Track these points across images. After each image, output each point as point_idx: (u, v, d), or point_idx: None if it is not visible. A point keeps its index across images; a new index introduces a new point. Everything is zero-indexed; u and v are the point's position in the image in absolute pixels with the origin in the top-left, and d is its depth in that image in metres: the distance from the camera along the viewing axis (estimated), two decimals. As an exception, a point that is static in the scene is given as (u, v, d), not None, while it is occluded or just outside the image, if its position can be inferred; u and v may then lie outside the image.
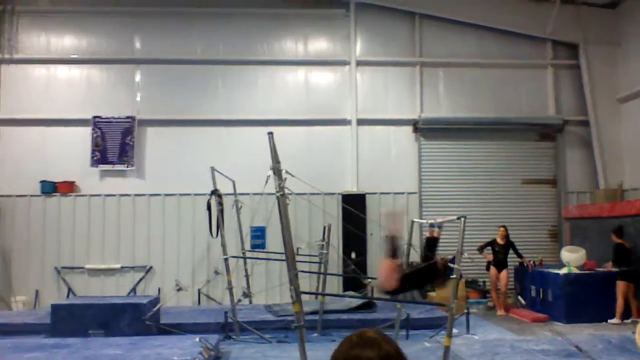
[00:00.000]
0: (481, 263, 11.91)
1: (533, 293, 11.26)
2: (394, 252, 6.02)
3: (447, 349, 5.46)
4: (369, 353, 1.55)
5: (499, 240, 11.58)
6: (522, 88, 13.51)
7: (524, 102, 13.47)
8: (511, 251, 11.61)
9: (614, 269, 10.33)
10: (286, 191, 8.03)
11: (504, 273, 11.46)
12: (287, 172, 5.96)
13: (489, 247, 11.65)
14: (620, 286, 10.01)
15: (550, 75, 13.54)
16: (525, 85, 13.52)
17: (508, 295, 11.78)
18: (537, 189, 13.38)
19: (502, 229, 11.65)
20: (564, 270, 10.54)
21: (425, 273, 6.11)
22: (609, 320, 9.95)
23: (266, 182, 6.15)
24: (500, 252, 11.54)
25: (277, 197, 5.71)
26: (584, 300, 10.11)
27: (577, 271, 10.59)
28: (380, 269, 6.27)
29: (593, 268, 10.92)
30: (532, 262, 11.65)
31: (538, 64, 13.58)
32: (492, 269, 11.54)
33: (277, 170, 5.65)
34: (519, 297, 11.63)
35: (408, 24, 13.39)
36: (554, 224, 13.33)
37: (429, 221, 6.67)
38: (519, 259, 11.71)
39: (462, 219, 5.79)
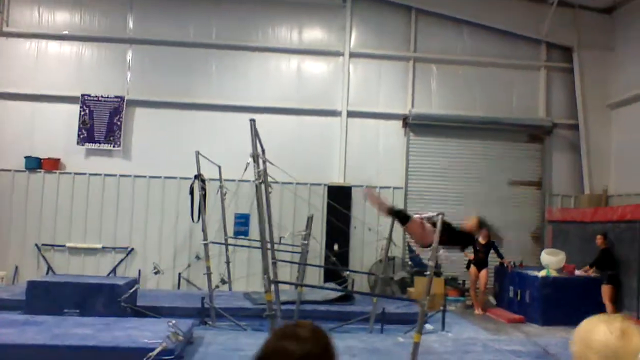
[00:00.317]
0: (461, 261, 11.97)
1: (511, 294, 11.31)
2: (403, 215, 6.47)
3: (416, 345, 5.47)
4: (293, 347, 1.53)
5: (481, 240, 11.60)
6: (514, 88, 13.52)
7: (515, 102, 13.48)
8: (492, 251, 11.65)
9: (594, 274, 10.38)
10: (269, 180, 8.06)
11: (483, 272, 11.51)
12: (266, 160, 5.92)
13: (470, 246, 11.67)
14: (607, 290, 10.05)
15: (542, 77, 13.56)
16: (518, 85, 13.53)
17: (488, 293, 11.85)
18: (523, 191, 13.44)
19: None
20: (542, 273, 10.59)
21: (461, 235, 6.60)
22: None
23: (245, 169, 6.12)
24: (481, 251, 11.56)
25: (256, 185, 5.68)
26: (560, 303, 10.16)
27: (555, 274, 10.65)
28: (417, 232, 6.46)
29: (572, 272, 10.99)
30: (512, 263, 11.70)
31: (531, 65, 13.59)
32: (472, 268, 11.58)
33: (256, 158, 5.62)
34: (490, 297, 11.66)
35: (404, 18, 13.34)
36: (537, 226, 13.40)
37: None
38: (499, 259, 11.76)
39: (440, 216, 5.77)
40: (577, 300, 10.20)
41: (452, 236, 6.46)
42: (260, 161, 5.95)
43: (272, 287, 8.44)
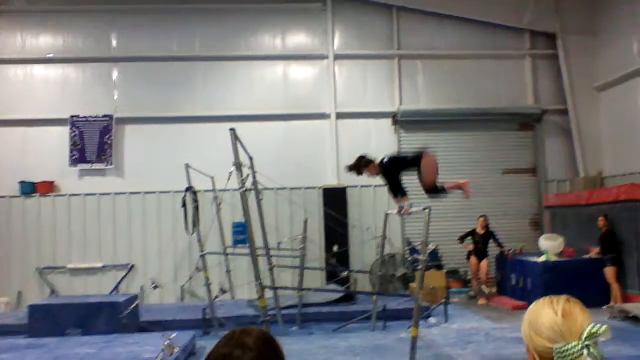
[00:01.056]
0: (462, 252, 12.00)
1: (513, 281, 11.34)
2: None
3: (414, 339, 5.51)
4: (239, 354, 1.49)
5: (479, 230, 11.66)
6: (501, 78, 13.57)
7: (503, 92, 13.53)
8: (492, 241, 11.68)
9: (596, 256, 10.38)
10: (261, 186, 8.10)
11: (484, 262, 11.56)
12: (252, 168, 5.95)
13: (469, 237, 11.72)
14: (612, 271, 10.06)
15: (528, 65, 13.62)
16: (504, 75, 13.58)
17: (488, 284, 11.87)
18: (518, 179, 13.48)
19: (481, 218, 11.73)
20: (542, 258, 10.62)
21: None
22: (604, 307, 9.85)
23: (228, 178, 6.15)
24: (480, 241, 11.62)
25: (240, 193, 5.72)
26: (561, 287, 9.94)
27: (555, 259, 10.68)
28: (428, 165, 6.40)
29: (571, 255, 11.02)
30: (511, 250, 11.72)
31: (516, 54, 13.66)
32: (473, 259, 11.62)
33: (239, 166, 5.65)
34: (482, 287, 11.66)
35: (385, 16, 13.40)
36: (535, 213, 13.43)
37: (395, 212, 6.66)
38: (499, 248, 11.78)
39: (427, 210, 5.81)
40: (579, 283, 10.23)
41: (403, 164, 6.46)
42: (246, 169, 5.96)
43: (271, 292, 8.50)
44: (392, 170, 6.36)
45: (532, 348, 1.60)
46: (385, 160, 6.41)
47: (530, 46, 13.64)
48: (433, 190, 6.36)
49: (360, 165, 6.47)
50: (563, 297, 1.65)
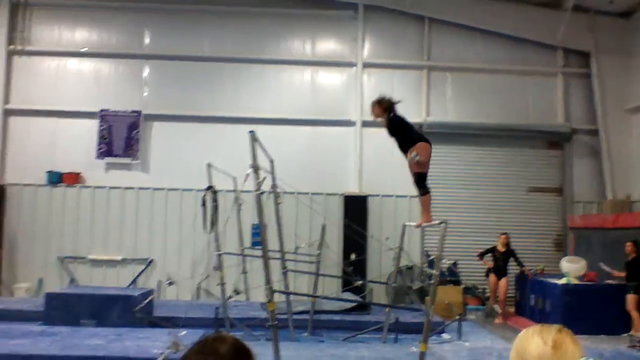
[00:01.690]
0: (481, 269, 11.84)
1: (532, 302, 11.14)
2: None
3: (422, 355, 5.44)
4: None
5: (500, 248, 11.48)
6: (531, 95, 13.39)
7: (532, 109, 13.34)
8: (512, 259, 11.50)
9: (617, 281, 10.14)
10: (282, 190, 8.13)
11: (503, 281, 11.37)
12: (272, 171, 5.97)
13: (490, 254, 11.56)
14: (633, 299, 9.78)
15: (560, 83, 13.40)
16: (535, 92, 13.40)
17: (507, 303, 11.69)
18: (543, 198, 13.25)
19: (503, 236, 11.54)
20: (562, 281, 10.41)
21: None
22: (625, 334, 9.63)
23: (245, 179, 6.18)
24: (500, 259, 11.44)
25: (256, 196, 5.74)
26: (581, 311, 9.96)
27: (576, 282, 10.46)
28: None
29: (593, 279, 10.78)
30: (532, 271, 11.52)
31: (548, 72, 13.46)
32: (492, 276, 11.45)
33: (256, 169, 5.68)
34: (494, 306, 11.47)
35: (417, 27, 13.34)
36: (559, 233, 13.19)
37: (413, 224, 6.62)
38: (519, 267, 11.59)
39: (443, 224, 5.75)
40: (599, 309, 10.01)
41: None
42: (265, 172, 5.99)
43: (284, 297, 8.50)
44: (398, 127, 6.77)
45: None
46: (397, 115, 6.78)
47: (563, 64, 13.42)
48: (419, 180, 6.57)
49: (381, 102, 6.78)
50: (554, 327, 1.59)
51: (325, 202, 12.42)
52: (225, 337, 1.57)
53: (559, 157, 13.37)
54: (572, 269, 10.82)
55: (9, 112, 12.80)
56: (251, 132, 6.07)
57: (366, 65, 13.16)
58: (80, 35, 13.15)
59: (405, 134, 6.46)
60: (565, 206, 13.22)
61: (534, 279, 11.33)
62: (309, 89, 13.19)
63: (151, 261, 12.58)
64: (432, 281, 5.61)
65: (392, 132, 6.62)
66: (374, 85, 13.23)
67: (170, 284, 8.42)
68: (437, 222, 5.96)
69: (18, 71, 12.96)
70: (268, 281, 5.49)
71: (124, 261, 12.58)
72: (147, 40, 13.14)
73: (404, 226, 8.19)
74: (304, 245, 11.84)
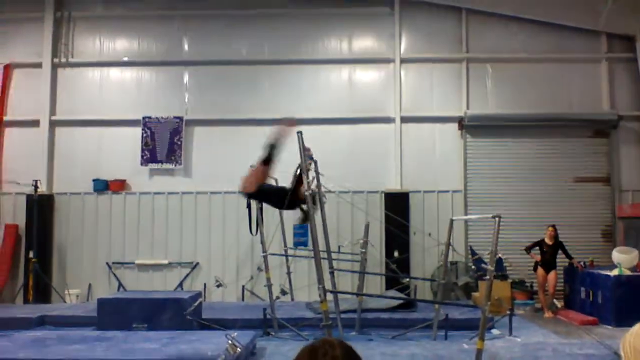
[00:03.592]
0: (529, 263, 11.61)
1: (583, 295, 10.87)
2: (269, 159, 6.32)
3: (479, 352, 5.36)
4: None
5: (547, 240, 11.23)
6: (574, 83, 13.06)
7: (576, 97, 13.02)
8: (560, 252, 11.24)
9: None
10: (323, 189, 8.12)
11: (552, 274, 11.13)
12: (317, 171, 5.97)
13: (537, 247, 11.32)
14: None
15: (604, 69, 13.03)
16: (577, 79, 13.06)
17: (556, 297, 11.45)
18: (590, 187, 12.90)
19: (550, 228, 11.28)
20: (614, 272, 10.12)
21: (276, 195, 6.50)
22: None
23: (292, 181, 6.19)
24: (548, 252, 11.19)
25: (306, 196, 5.75)
26: (635, 303, 9.65)
27: (628, 273, 10.16)
28: (250, 173, 6.61)
29: (646, 270, 10.45)
30: (582, 263, 11.24)
31: (591, 58, 13.10)
32: (540, 270, 11.21)
33: (304, 169, 5.69)
34: (555, 301, 11.25)
35: (454, 19, 13.17)
36: (608, 224, 12.82)
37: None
38: (568, 260, 11.32)
39: (497, 219, 5.64)
40: (654, 300, 9.70)
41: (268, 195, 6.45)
42: (312, 172, 6.00)
43: (331, 296, 8.49)
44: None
45: None
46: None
47: (607, 49, 13.04)
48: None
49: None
50: None
51: (367, 199, 12.36)
52: (334, 342, 1.60)
53: (606, 145, 12.99)
54: (624, 259, 10.51)
55: (55, 123, 13.17)
56: (299, 132, 6.08)
57: (404, 60, 13.06)
58: (121, 45, 13.44)
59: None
60: (614, 195, 12.85)
61: (585, 271, 11.05)
62: (347, 88, 13.16)
63: (196, 264, 12.76)
64: (486, 277, 5.51)
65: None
66: (412, 80, 13.15)
67: (219, 285, 8.51)
68: (489, 216, 5.85)
69: (62, 83, 13.32)
70: (320, 281, 5.48)
71: (169, 265, 12.79)
72: (186, 47, 13.34)
73: (451, 221, 8.07)
74: (347, 244, 11.84)
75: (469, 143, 12.95)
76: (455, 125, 12.97)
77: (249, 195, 6.63)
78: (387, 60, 13.12)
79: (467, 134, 12.95)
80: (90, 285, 12.71)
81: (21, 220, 12.75)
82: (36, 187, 12.05)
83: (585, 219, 12.75)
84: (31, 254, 12.02)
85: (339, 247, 10.77)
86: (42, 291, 12.11)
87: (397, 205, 12.14)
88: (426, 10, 13.10)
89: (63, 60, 13.30)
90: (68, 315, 9.48)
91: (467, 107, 12.92)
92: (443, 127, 12.99)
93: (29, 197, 12.42)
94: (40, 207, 12.22)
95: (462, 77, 13.05)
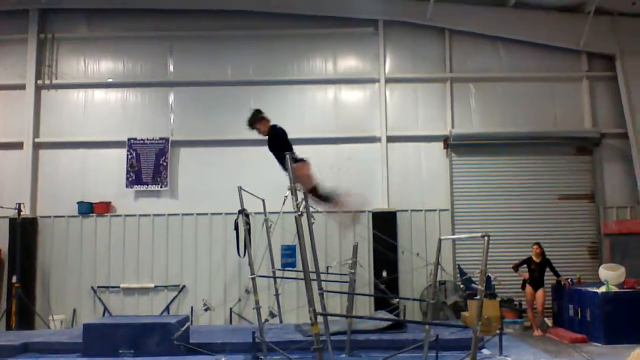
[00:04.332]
0: (516, 281, 11.63)
1: (571, 312, 10.89)
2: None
3: (471, 373, 5.32)
4: None
5: (535, 258, 11.27)
6: (557, 101, 13.25)
7: (559, 115, 13.20)
8: (548, 269, 11.28)
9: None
10: (311, 210, 8.07)
11: (540, 292, 11.15)
12: (305, 192, 5.95)
13: (525, 265, 11.35)
14: None
15: (585, 87, 13.24)
16: (560, 98, 13.26)
17: (545, 314, 11.46)
18: (575, 205, 13.01)
19: (535, 246, 11.33)
20: (602, 289, 10.17)
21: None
22: None
23: (283, 202, 6.18)
24: (536, 270, 11.22)
25: (295, 217, 5.72)
26: (623, 320, 9.71)
27: (616, 289, 10.21)
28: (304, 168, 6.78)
29: (633, 286, 10.51)
30: (569, 280, 11.29)
31: (573, 77, 13.32)
32: (528, 288, 11.23)
33: (294, 190, 5.66)
34: (545, 320, 11.27)
35: (438, 39, 13.33)
36: (593, 241, 12.92)
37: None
38: (555, 277, 11.36)
39: (486, 238, 5.64)
40: (642, 316, 9.75)
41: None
42: (300, 193, 5.99)
43: (321, 318, 8.40)
44: (279, 140, 6.98)
45: None
46: (279, 127, 7.12)
47: (588, 68, 13.28)
48: (317, 196, 6.86)
49: (256, 118, 7.08)
50: None
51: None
52: None
53: (589, 162, 13.15)
54: (611, 276, 10.56)
55: (39, 146, 13.03)
56: (287, 153, 6.07)
57: (389, 80, 13.16)
58: (105, 66, 13.38)
59: (285, 148, 6.79)
60: (598, 212, 12.97)
61: (572, 288, 11.09)
62: (333, 108, 13.21)
63: (183, 287, 12.60)
64: (477, 296, 5.49)
65: (277, 142, 7.04)
66: (397, 100, 13.24)
67: (207, 309, 8.40)
68: (478, 234, 5.85)
69: (46, 105, 13.21)
70: (311, 303, 5.42)
71: (156, 288, 12.62)
72: (171, 68, 13.32)
73: (440, 240, 8.06)
74: (335, 264, 11.77)
75: (454, 162, 13.03)
76: (440, 144, 13.05)
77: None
78: (372, 80, 13.21)
79: (452, 153, 13.04)
80: (74, 310, 12.48)
81: (4, 245, 12.52)
82: (19, 210, 11.86)
83: (571, 236, 12.85)
84: (14, 279, 11.79)
85: (327, 268, 10.69)
86: (25, 317, 11.85)
87: (384, 225, 12.13)
88: (410, 30, 13.24)
89: (47, 82, 13.20)
90: (52, 342, 9.25)
91: (452, 126, 13.02)
92: (428, 146, 13.07)
93: (12, 221, 12.22)
94: (24, 231, 12.02)
95: (447, 96, 13.18)
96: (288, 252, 12.31)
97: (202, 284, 12.54)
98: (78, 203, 12.72)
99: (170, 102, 13.24)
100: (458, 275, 12.42)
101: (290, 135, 12.70)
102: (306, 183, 6.51)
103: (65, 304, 12.49)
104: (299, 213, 5.77)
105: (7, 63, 13.29)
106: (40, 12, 13.32)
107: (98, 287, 12.56)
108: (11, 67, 13.26)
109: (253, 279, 8.81)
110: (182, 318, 8.93)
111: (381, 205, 12.74)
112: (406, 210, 12.75)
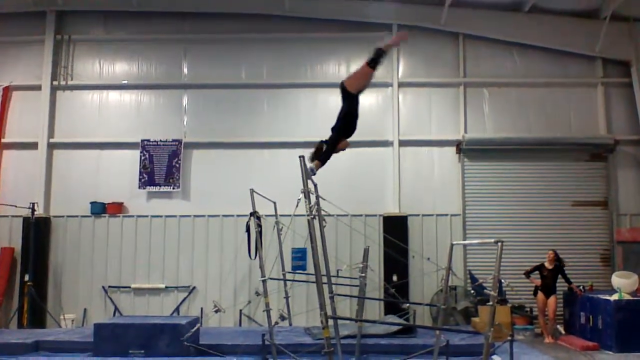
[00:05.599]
0: (528, 287, 11.55)
1: (583, 320, 10.81)
2: (376, 62, 6.83)
3: (481, 379, 5.28)
4: None
5: (547, 265, 11.20)
6: (571, 107, 13.17)
7: (573, 121, 13.11)
8: (560, 276, 11.20)
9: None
10: (323, 213, 8.07)
11: (552, 299, 11.07)
12: (318, 195, 5.95)
13: (537, 272, 11.28)
14: None
15: (600, 93, 13.15)
16: (574, 104, 13.17)
17: (557, 322, 11.37)
18: (588, 211, 12.91)
19: (551, 252, 11.26)
20: (614, 297, 10.08)
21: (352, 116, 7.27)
22: None
23: (297, 205, 6.18)
24: (548, 276, 11.15)
25: (308, 221, 5.73)
26: (636, 328, 9.62)
27: (629, 297, 10.11)
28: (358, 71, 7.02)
29: (646, 295, 10.41)
30: (581, 287, 11.20)
31: (587, 83, 13.23)
32: (540, 295, 11.16)
33: (307, 194, 5.67)
34: (558, 327, 11.19)
35: (452, 44, 13.31)
36: (606, 248, 12.81)
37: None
38: (567, 284, 11.28)
39: (500, 244, 5.59)
40: (655, 325, 9.65)
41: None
42: (313, 196, 5.99)
43: (331, 321, 8.38)
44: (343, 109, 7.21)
45: None
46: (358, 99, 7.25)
47: (603, 74, 13.18)
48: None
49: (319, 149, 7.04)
50: None
51: (365, 223, 12.32)
52: None
53: (603, 169, 13.04)
54: (623, 284, 10.49)
55: (53, 146, 13.16)
56: (301, 156, 6.09)
57: (402, 84, 13.16)
58: (120, 68, 13.50)
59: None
60: (612, 219, 12.85)
61: (584, 295, 11.00)
62: (345, 111, 13.17)
63: (193, 288, 12.64)
64: (489, 302, 5.45)
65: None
66: (410, 104, 13.22)
67: (217, 311, 8.39)
68: (491, 240, 5.81)
69: (61, 105, 13.35)
70: (322, 307, 5.41)
71: (166, 289, 12.67)
72: (185, 70, 13.41)
73: (452, 245, 8.02)
74: (345, 268, 11.74)
75: (466, 167, 12.98)
76: (453, 149, 13.01)
77: (344, 95, 7.13)
78: (385, 85, 13.20)
79: (465, 158, 12.99)
80: (85, 309, 12.56)
81: (17, 243, 12.65)
82: (33, 209, 11.97)
83: (584, 243, 12.75)
84: (27, 278, 11.91)
85: (337, 271, 10.68)
86: (37, 315, 11.98)
87: (395, 229, 12.09)
88: (424, 35, 13.21)
89: (62, 82, 13.34)
90: (63, 341, 9.30)
91: (465, 131, 12.98)
92: (441, 151, 13.03)
93: (26, 220, 12.34)
94: (37, 230, 12.13)
95: (460, 101, 13.14)
96: (298, 255, 12.33)
97: (213, 286, 12.57)
98: (91, 203, 12.82)
99: (184, 104, 13.32)
100: (469, 280, 12.35)
101: (303, 139, 12.85)
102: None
103: (77, 303, 12.58)
104: (312, 216, 5.77)
105: (24, 64, 13.44)
106: (57, 14, 13.46)
107: (109, 286, 12.63)
108: (27, 67, 13.41)
109: (264, 281, 8.82)
110: (193, 319, 8.95)
111: (392, 209, 12.71)
112: (417, 215, 12.72)
